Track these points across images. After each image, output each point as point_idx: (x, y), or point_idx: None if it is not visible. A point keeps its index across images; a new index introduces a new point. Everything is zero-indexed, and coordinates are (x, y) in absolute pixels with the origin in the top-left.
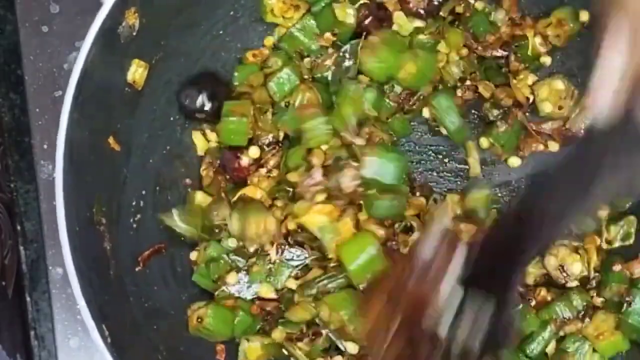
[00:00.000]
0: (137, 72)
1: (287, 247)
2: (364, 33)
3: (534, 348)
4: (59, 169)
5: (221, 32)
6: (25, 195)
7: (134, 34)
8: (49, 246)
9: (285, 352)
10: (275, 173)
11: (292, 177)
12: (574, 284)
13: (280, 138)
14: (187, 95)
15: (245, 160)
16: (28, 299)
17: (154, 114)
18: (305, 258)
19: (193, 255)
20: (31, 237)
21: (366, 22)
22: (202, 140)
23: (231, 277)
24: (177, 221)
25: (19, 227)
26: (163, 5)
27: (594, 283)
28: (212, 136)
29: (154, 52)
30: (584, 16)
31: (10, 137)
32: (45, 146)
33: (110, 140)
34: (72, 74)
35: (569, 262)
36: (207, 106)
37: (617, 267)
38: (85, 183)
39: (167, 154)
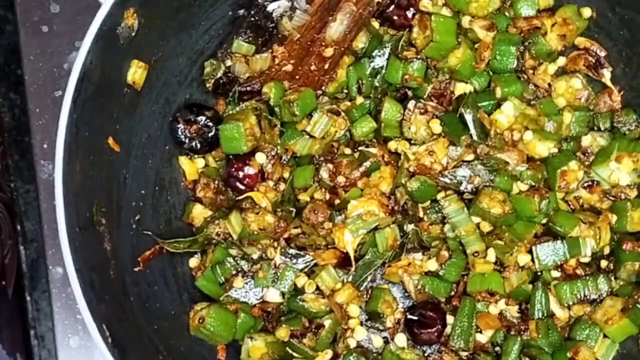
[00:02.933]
0: (136, 73)
1: (289, 250)
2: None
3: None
4: (58, 169)
5: (220, 32)
6: (25, 195)
7: (133, 34)
8: (49, 246)
9: (289, 350)
10: (281, 187)
11: (303, 196)
12: (587, 259)
13: (287, 156)
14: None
15: (251, 170)
16: (28, 298)
17: (154, 114)
18: (310, 260)
19: (192, 263)
20: (31, 237)
21: (388, 10)
22: (190, 165)
23: (238, 282)
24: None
25: (19, 227)
26: (161, 6)
27: (611, 266)
28: (199, 161)
29: (153, 53)
30: (587, 13)
31: (10, 137)
32: (45, 146)
33: (110, 140)
34: (72, 74)
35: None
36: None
37: (626, 246)
38: (85, 183)
39: (167, 154)
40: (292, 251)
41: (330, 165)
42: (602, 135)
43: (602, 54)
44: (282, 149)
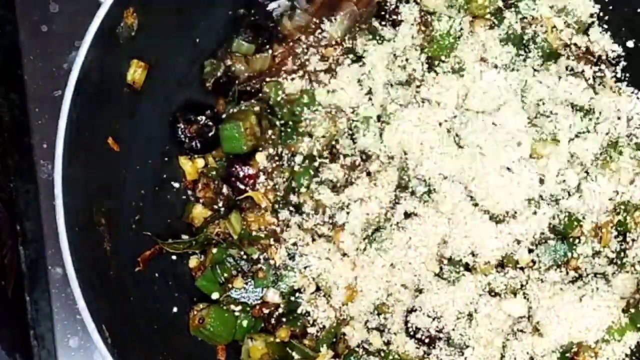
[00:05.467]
0: (136, 72)
1: (289, 250)
2: None
3: None
4: (58, 169)
5: (220, 32)
6: (25, 195)
7: (133, 34)
8: (49, 246)
9: (289, 350)
10: (282, 187)
11: (303, 196)
12: (587, 259)
13: (287, 156)
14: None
15: (251, 170)
16: (27, 298)
17: (154, 114)
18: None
19: (192, 263)
20: (31, 237)
21: None
22: (190, 165)
23: (238, 282)
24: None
25: (19, 227)
26: (161, 6)
27: (612, 266)
28: (199, 161)
29: (152, 52)
30: (587, 13)
31: (10, 137)
32: (45, 146)
33: (110, 140)
34: (72, 74)
35: None
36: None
37: (627, 246)
38: (85, 183)
39: (167, 154)
40: (292, 251)
41: (330, 165)
42: None
43: (603, 54)
44: (282, 149)
